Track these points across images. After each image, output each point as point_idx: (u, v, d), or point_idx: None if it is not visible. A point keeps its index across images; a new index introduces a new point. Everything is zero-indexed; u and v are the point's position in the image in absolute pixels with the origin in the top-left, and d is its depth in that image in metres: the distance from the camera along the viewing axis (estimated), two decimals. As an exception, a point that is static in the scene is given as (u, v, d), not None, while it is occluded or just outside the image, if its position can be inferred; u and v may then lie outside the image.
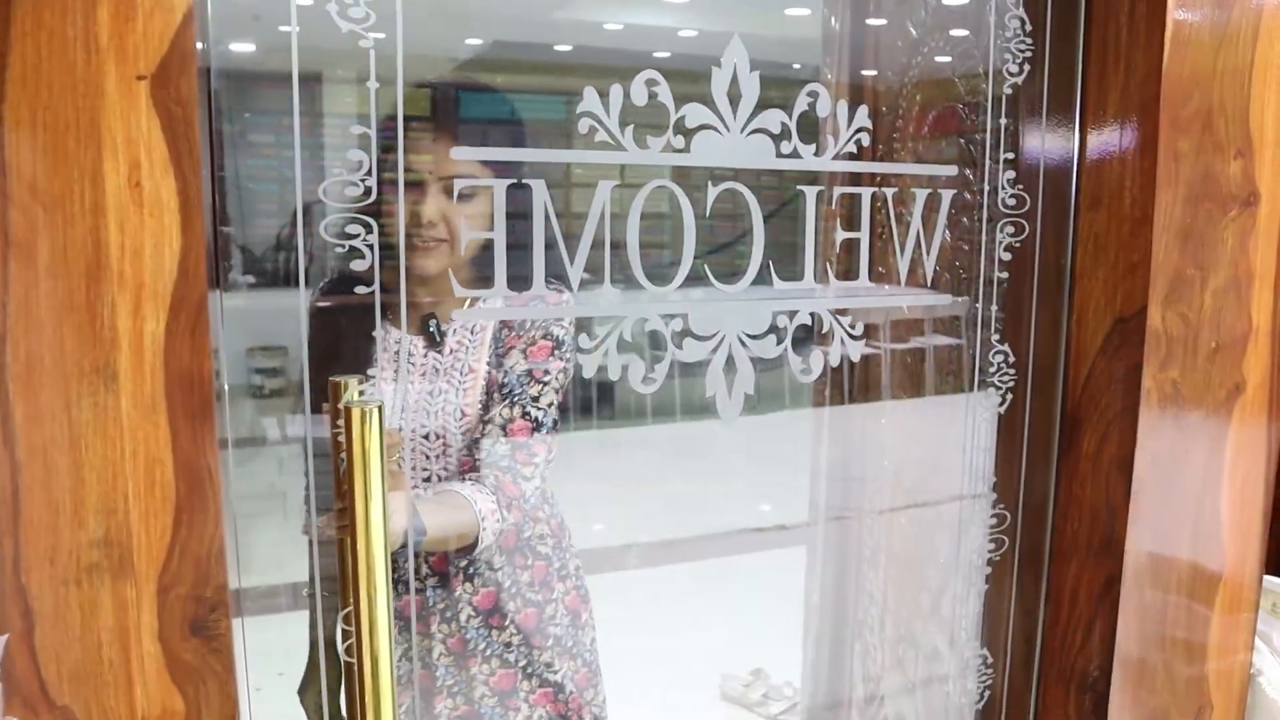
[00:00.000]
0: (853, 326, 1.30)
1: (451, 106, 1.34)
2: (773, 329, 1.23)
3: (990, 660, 1.50)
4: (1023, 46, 1.37)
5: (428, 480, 1.36)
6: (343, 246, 0.97)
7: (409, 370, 1.33)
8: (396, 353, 1.29)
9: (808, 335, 1.27)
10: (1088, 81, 1.29)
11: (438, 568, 1.43)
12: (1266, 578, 1.43)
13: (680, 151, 1.16)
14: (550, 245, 1.09)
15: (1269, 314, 1.31)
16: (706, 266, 1.23)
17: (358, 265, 0.99)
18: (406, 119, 1.01)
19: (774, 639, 3.03)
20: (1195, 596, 1.36)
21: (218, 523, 0.84)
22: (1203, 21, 1.20)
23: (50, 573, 0.80)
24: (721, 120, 1.17)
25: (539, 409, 1.36)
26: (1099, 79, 1.28)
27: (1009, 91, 1.40)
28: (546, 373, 1.36)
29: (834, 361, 1.31)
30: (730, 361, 1.21)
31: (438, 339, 1.33)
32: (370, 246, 0.98)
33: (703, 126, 1.16)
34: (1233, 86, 1.23)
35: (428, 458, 1.35)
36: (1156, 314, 1.22)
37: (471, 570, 1.43)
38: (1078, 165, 1.31)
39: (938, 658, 1.72)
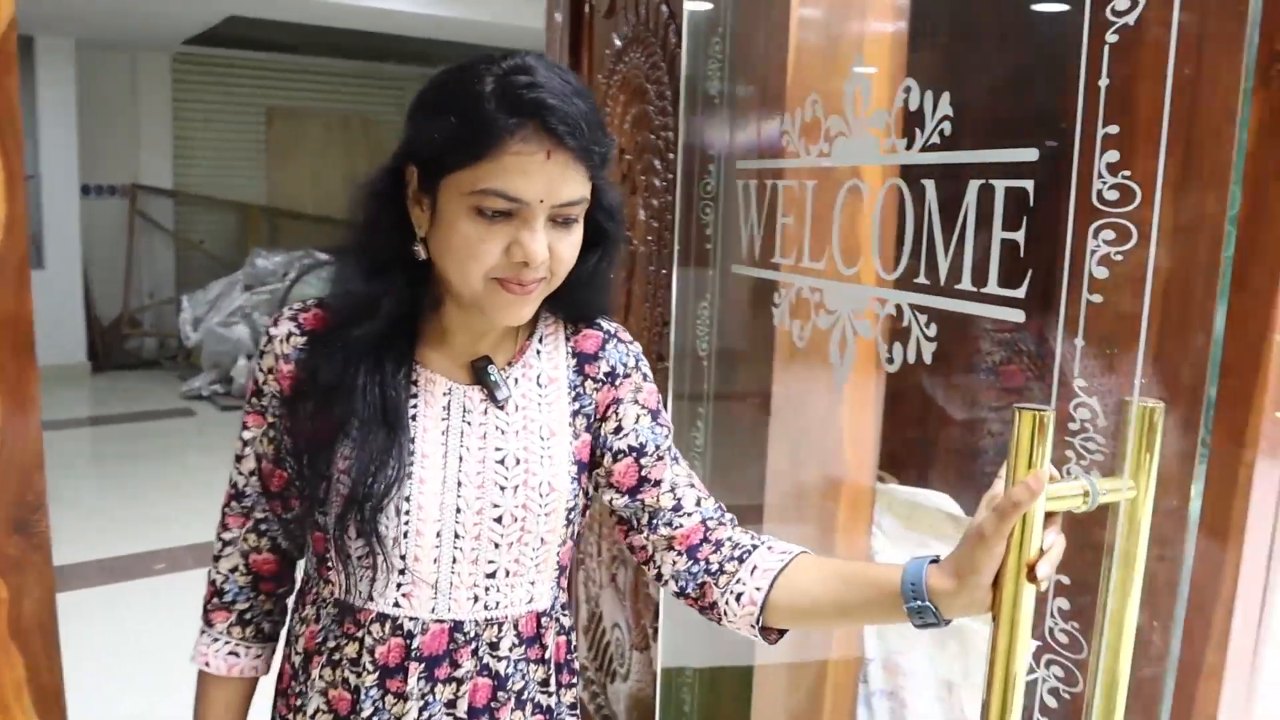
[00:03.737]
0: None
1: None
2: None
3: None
4: (716, 65, 1.73)
5: (492, 576, 1.02)
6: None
7: (465, 430, 1.01)
8: (447, 406, 1.01)
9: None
10: (738, 88, 1.65)
11: (429, 648, 1.02)
12: (879, 485, 1.86)
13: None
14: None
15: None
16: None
17: None
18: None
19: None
20: (826, 497, 1.76)
21: (38, 438, 1.04)
22: (815, 46, 1.58)
23: (-106, 480, 0.98)
24: (847, 124, 1.39)
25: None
26: (746, 85, 1.64)
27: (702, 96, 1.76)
28: (669, 431, 1.10)
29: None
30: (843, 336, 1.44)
31: (504, 390, 1.03)
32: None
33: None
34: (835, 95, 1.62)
35: (497, 546, 1.01)
36: (787, 277, 1.60)
37: (476, 646, 1.04)
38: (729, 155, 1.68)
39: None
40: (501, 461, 1.01)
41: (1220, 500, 0.88)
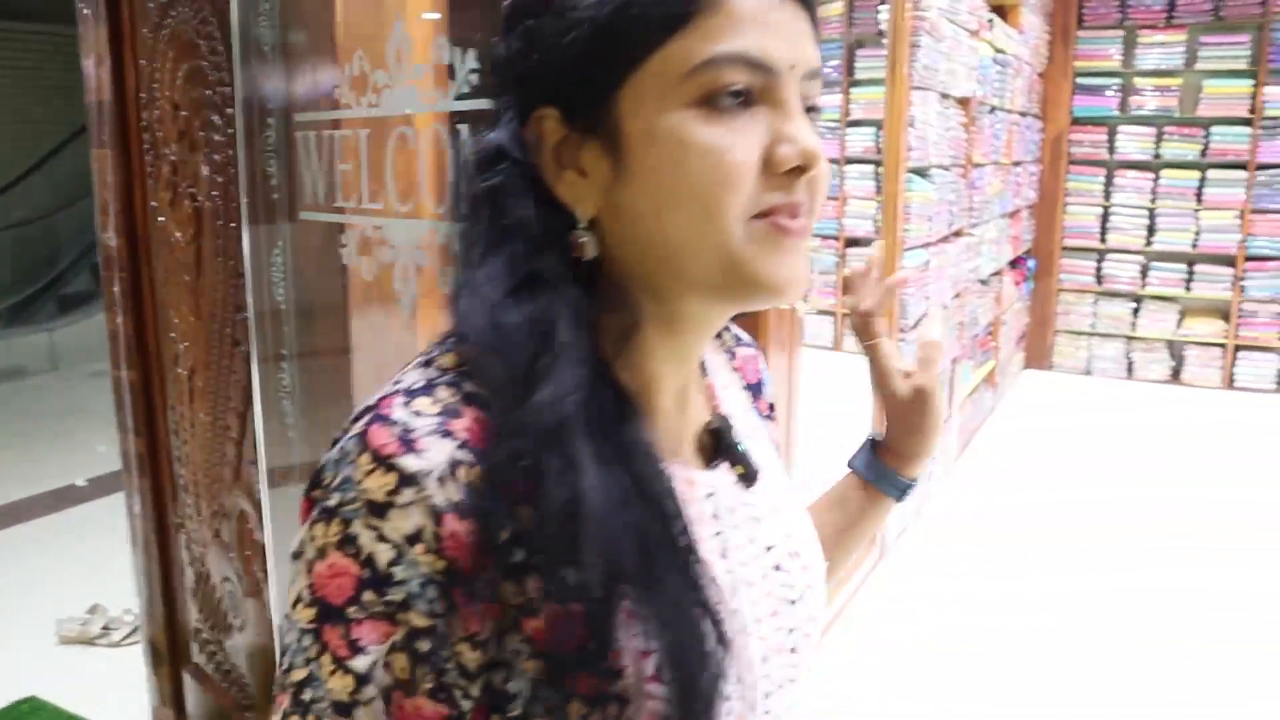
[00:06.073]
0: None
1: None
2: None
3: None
4: (266, 20, 1.78)
5: None
6: None
7: (734, 540, 0.65)
8: (715, 514, 0.65)
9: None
10: (290, 42, 1.72)
11: None
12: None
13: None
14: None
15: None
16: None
17: None
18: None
19: (110, 577, 3.17)
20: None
21: None
22: (360, 4, 1.69)
23: None
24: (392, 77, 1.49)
25: None
26: (298, 39, 1.72)
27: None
28: None
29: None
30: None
31: (753, 468, 0.67)
32: None
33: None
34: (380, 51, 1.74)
35: (793, 682, 0.68)
36: (351, 219, 1.72)
37: None
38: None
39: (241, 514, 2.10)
40: (778, 567, 0.67)
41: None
